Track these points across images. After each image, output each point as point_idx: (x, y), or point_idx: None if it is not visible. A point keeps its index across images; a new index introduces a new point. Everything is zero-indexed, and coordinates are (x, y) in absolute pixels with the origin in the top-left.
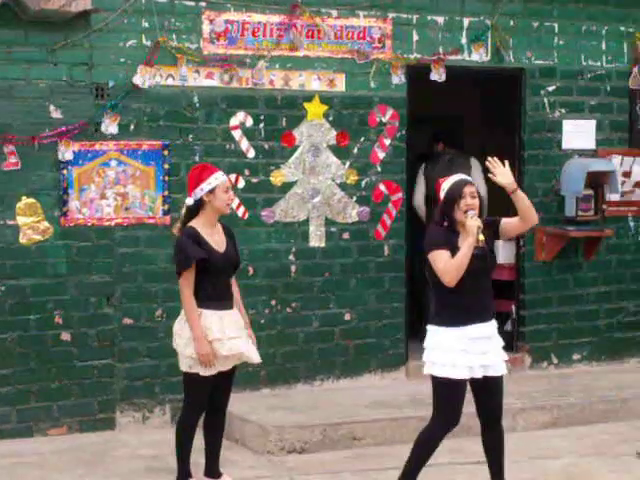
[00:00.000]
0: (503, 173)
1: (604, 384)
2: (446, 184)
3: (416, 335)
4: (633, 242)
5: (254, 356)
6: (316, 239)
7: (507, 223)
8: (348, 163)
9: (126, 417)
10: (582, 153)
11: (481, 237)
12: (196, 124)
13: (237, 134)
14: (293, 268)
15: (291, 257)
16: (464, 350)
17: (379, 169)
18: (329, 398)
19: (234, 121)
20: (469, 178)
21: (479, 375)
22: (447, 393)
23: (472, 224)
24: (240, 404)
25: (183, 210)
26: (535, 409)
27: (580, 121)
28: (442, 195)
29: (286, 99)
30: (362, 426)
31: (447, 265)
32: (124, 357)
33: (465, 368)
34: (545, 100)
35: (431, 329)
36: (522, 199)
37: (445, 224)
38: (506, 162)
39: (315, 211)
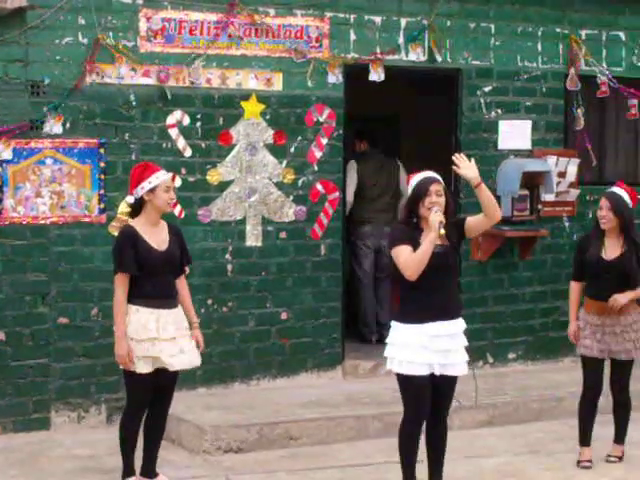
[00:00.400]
0: (469, 167)
1: (539, 383)
2: (414, 180)
3: (351, 335)
4: (568, 242)
5: (194, 360)
6: (253, 238)
7: (472, 220)
8: (285, 162)
9: (61, 417)
10: (518, 153)
11: (442, 232)
12: (132, 122)
13: (174, 132)
14: (229, 267)
15: (227, 256)
16: (423, 347)
17: (316, 168)
18: (265, 397)
19: (171, 119)
20: (437, 176)
21: (438, 372)
22: (409, 388)
23: (435, 219)
24: (176, 404)
25: (120, 207)
26: (471, 408)
27: (516, 121)
28: (409, 191)
29: (223, 98)
30: (298, 425)
31: (408, 259)
32: (59, 356)
33: (424, 365)
34: (481, 100)
35: (393, 325)
36: (486, 194)
37: (414, 220)
38: (472, 158)
39: (252, 210)
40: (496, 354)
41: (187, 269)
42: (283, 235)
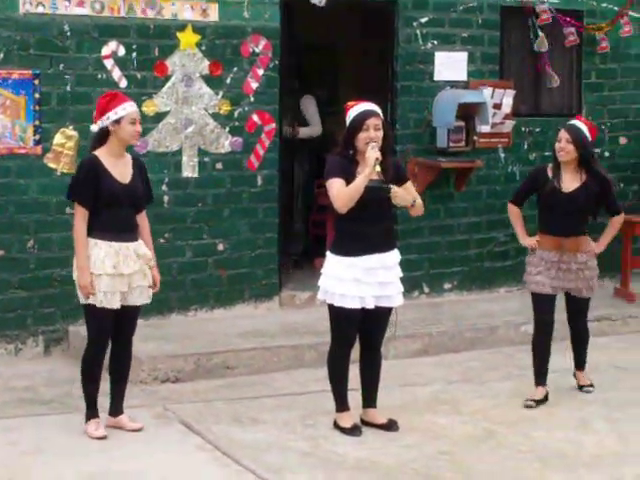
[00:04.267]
0: (401, 197)
1: (474, 313)
2: (352, 112)
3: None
4: (503, 173)
5: (145, 299)
6: (189, 169)
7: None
8: (221, 93)
9: None
10: (454, 85)
11: (377, 169)
12: (67, 53)
13: (109, 63)
14: (166, 198)
15: (164, 187)
16: (357, 280)
17: (252, 99)
18: (203, 328)
19: (106, 50)
20: (375, 108)
21: (371, 306)
22: (338, 320)
23: (371, 155)
24: None
25: (55, 139)
26: (406, 337)
27: (452, 53)
28: (347, 122)
29: (158, 28)
30: (235, 355)
31: (339, 192)
32: None
33: (356, 298)
34: (418, 32)
35: (328, 256)
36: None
37: (350, 152)
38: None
39: (188, 141)
40: (432, 284)
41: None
42: (219, 166)
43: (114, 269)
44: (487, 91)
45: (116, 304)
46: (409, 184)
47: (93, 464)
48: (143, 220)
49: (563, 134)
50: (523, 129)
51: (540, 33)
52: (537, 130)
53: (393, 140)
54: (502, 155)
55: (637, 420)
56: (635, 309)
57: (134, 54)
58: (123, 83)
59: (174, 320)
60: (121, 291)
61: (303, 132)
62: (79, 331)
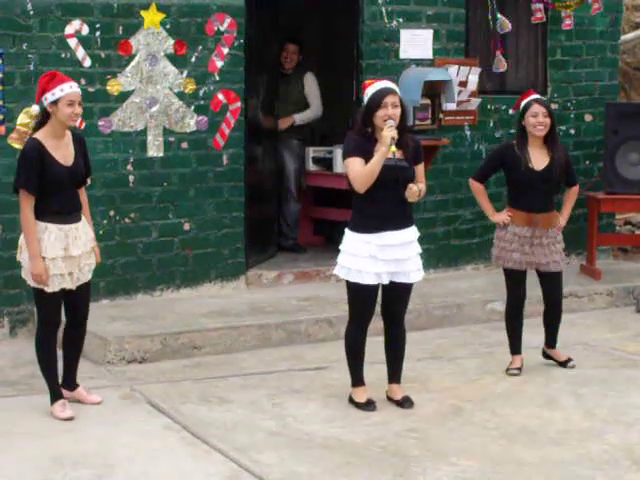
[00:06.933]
0: (412, 194)
1: (441, 291)
2: (370, 90)
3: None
4: (469, 151)
5: (89, 275)
6: (154, 149)
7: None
8: (186, 72)
9: None
10: (419, 63)
11: (393, 148)
12: (30, 32)
13: (73, 42)
14: (131, 178)
15: (129, 167)
16: (372, 257)
17: (217, 78)
18: (169, 308)
19: (69, 29)
20: (393, 86)
21: (386, 281)
22: (355, 296)
23: (386, 134)
24: None
25: (19, 118)
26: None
27: (417, 30)
28: (365, 100)
29: (122, 7)
30: (202, 335)
31: (358, 173)
32: None
33: (372, 274)
34: (383, 9)
35: (346, 233)
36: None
37: (368, 130)
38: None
39: (153, 120)
40: None
41: (89, 180)
42: (185, 145)
43: (64, 251)
44: (453, 69)
45: (68, 285)
46: (421, 166)
47: (60, 445)
48: (83, 195)
49: (539, 108)
50: (489, 107)
51: (499, 16)
52: (503, 108)
53: (405, 117)
54: (468, 133)
55: (603, 396)
56: (601, 286)
57: (98, 33)
58: (87, 62)
59: (140, 300)
60: (71, 272)
61: (300, 118)
62: None
